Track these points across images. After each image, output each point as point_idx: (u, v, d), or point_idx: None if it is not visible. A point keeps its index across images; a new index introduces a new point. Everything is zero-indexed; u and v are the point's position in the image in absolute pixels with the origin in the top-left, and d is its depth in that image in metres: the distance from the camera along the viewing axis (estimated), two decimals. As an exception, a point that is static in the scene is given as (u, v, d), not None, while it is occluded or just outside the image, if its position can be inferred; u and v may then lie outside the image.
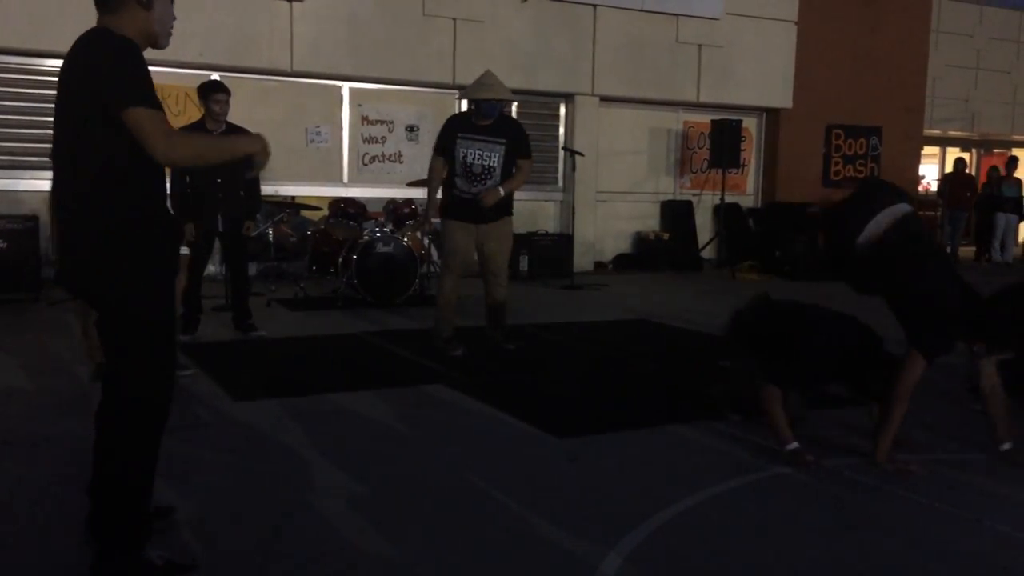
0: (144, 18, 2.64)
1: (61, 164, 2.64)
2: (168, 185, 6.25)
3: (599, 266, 12.04)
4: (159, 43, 2.73)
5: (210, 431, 4.26)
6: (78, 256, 2.61)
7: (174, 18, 2.76)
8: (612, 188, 12.36)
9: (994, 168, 15.04)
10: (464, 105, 7.25)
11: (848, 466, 3.89)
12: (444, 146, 6.06)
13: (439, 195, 6.25)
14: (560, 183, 12.05)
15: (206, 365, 5.55)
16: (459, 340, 6.21)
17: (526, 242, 10.94)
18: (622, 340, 6.94)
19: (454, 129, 6.03)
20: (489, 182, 5.97)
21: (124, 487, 2.63)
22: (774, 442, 3.97)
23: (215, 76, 9.21)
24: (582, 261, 11.39)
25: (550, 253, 10.97)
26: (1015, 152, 17.10)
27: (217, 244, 6.60)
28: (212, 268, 7.79)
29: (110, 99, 2.46)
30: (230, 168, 6.33)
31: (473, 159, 5.95)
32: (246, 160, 2.76)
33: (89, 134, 2.52)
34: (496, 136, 5.97)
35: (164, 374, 2.70)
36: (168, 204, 6.15)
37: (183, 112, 9.39)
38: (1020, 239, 15.05)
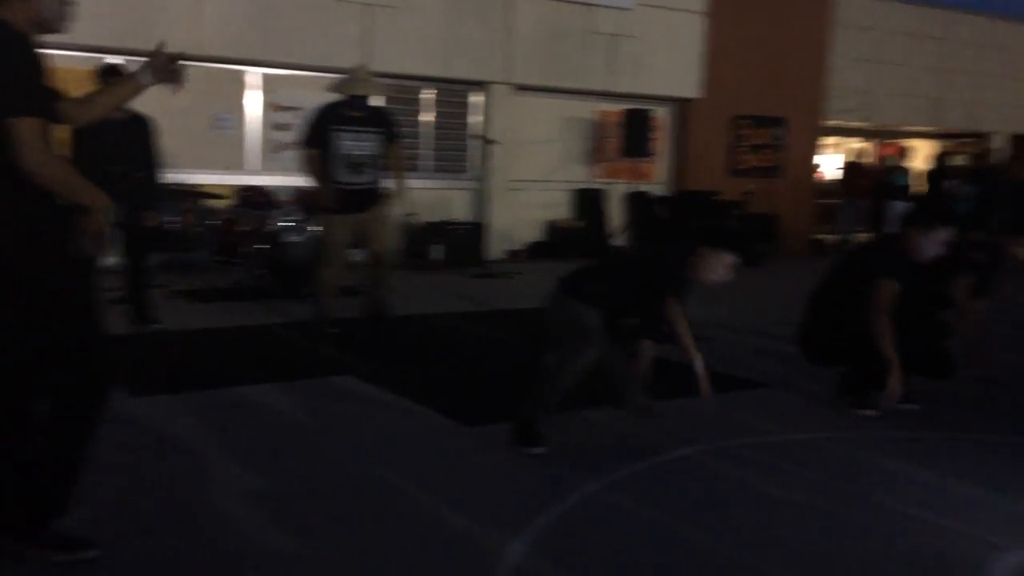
0: (27, 6, 2.51)
1: None
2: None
3: (513, 254, 12.08)
4: (54, 28, 2.61)
5: (105, 429, 4.11)
6: None
7: (66, 2, 2.62)
8: (525, 176, 12.40)
9: (889, 158, 15.71)
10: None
11: (745, 446, 4.00)
12: (319, 138, 6.10)
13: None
14: (473, 171, 12.03)
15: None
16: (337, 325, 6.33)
17: (439, 230, 10.89)
18: (535, 328, 6.97)
19: (329, 121, 6.09)
20: (369, 172, 6.18)
21: (61, 464, 2.67)
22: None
23: (114, 59, 8.88)
24: (496, 249, 11.41)
25: (463, 241, 10.95)
26: (911, 142, 17.89)
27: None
28: (111, 259, 7.50)
29: (1, 102, 2.38)
30: (132, 156, 6.12)
31: (353, 150, 6.10)
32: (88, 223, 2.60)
33: None
34: (372, 126, 6.17)
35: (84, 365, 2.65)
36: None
37: (79, 96, 9.03)
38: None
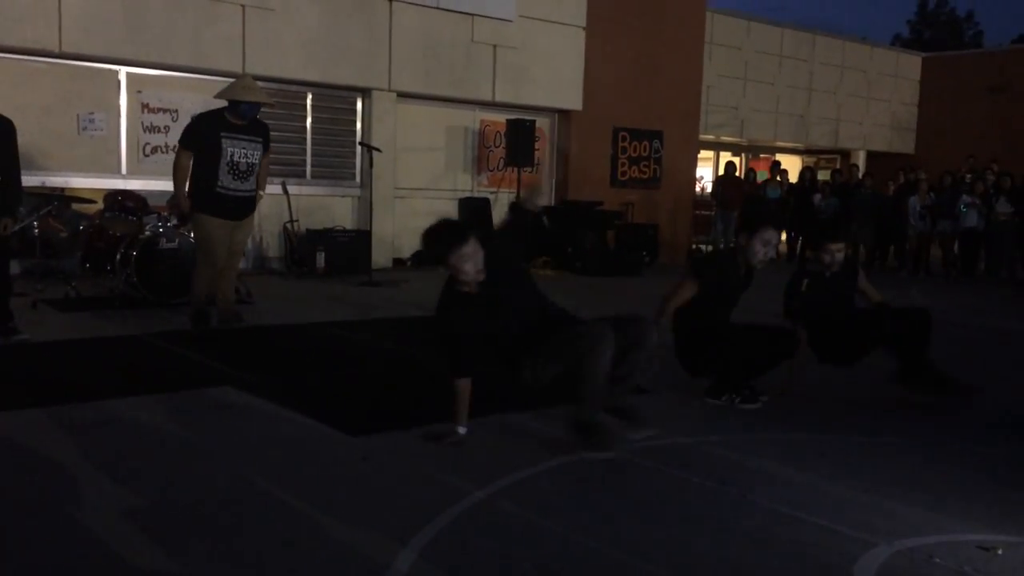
0: None
1: None
2: None
3: (398, 263, 12.00)
4: None
5: (-39, 447, 3.85)
6: None
7: None
8: (410, 184, 12.35)
9: (751, 171, 16.59)
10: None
11: (631, 451, 4.10)
12: (200, 144, 6.23)
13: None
14: (357, 179, 11.89)
15: (-42, 374, 5.01)
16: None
17: (323, 238, 10.72)
18: (419, 336, 6.95)
19: (215, 128, 6.26)
20: (251, 179, 6.46)
21: None
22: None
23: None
24: (381, 258, 11.31)
25: (348, 250, 10.80)
26: (777, 157, 18.79)
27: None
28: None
29: None
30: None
31: (239, 157, 6.32)
32: None
33: None
34: (254, 135, 6.45)
35: None
36: None
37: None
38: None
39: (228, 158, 6.26)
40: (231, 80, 10.58)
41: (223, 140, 6.23)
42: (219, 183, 6.26)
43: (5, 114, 5.97)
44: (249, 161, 6.37)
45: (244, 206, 6.46)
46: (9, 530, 2.98)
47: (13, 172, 5.95)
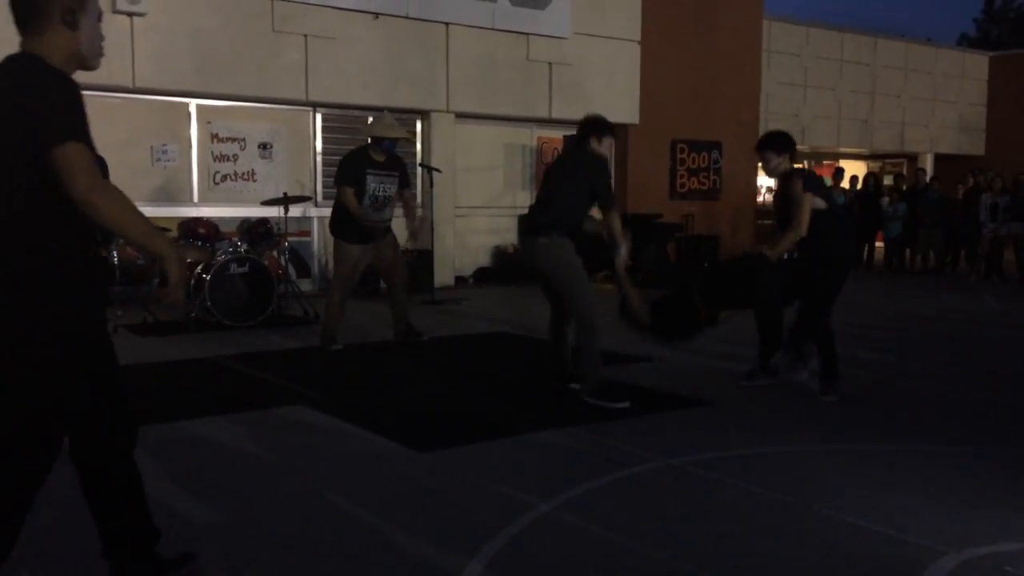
0: (70, 39, 2.45)
1: None
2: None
3: (460, 280, 12.15)
4: (89, 64, 2.54)
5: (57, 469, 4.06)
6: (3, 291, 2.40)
7: (103, 37, 2.57)
8: (470, 203, 12.52)
9: (820, 178, 16.20)
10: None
11: (692, 463, 4.11)
12: (354, 178, 6.74)
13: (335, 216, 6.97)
14: (418, 199, 12.09)
15: None
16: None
17: (385, 259, 10.91)
18: (483, 353, 7.05)
19: (362, 165, 6.80)
20: (387, 210, 6.95)
21: (123, 502, 2.68)
22: None
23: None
24: (443, 276, 11.47)
25: (410, 269, 10.93)
26: (841, 163, 18.47)
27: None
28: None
29: (41, 132, 2.29)
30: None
31: (380, 192, 6.83)
32: (161, 275, 2.63)
33: (15, 166, 2.35)
34: (392, 170, 6.91)
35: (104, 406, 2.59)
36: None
37: None
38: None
39: (371, 193, 6.77)
40: (295, 108, 10.90)
41: (368, 176, 6.75)
42: (367, 217, 6.76)
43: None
44: (387, 194, 6.88)
45: (379, 234, 6.93)
46: (93, 547, 3.14)
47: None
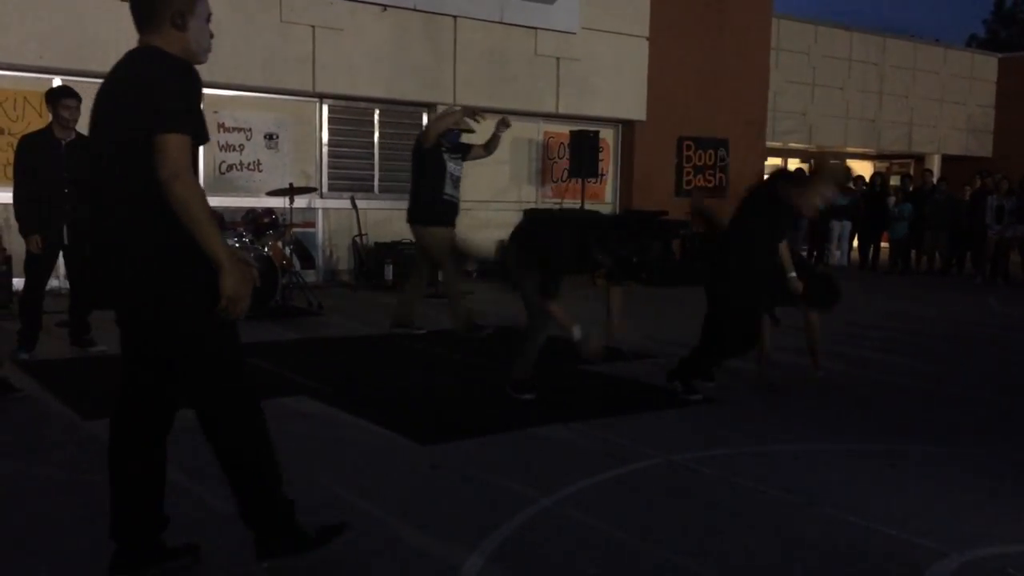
0: (180, 38, 2.66)
1: (101, 184, 2.63)
2: (13, 194, 5.92)
3: (464, 274, 12.14)
4: (198, 60, 2.72)
5: (63, 451, 4.08)
6: (124, 278, 2.63)
7: (211, 35, 2.76)
8: (476, 197, 12.48)
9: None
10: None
11: (693, 460, 4.12)
12: (437, 160, 7.27)
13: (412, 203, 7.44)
14: (424, 192, 12.08)
15: (48, 383, 5.29)
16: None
17: (391, 251, 10.93)
18: (487, 347, 7.05)
19: (441, 147, 7.35)
20: (459, 190, 7.56)
21: (254, 483, 2.81)
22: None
23: (57, 80, 8.78)
24: (447, 269, 11.45)
25: (415, 261, 10.95)
26: (848, 163, 18.41)
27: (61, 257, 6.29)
28: (55, 282, 7.39)
29: (155, 119, 2.46)
30: (74, 178, 6.05)
31: (456, 171, 7.46)
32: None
33: (137, 155, 2.48)
34: (458, 153, 7.55)
35: (234, 382, 2.80)
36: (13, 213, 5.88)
37: (21, 118, 8.88)
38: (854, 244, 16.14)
39: (450, 172, 7.35)
40: (302, 99, 10.90)
41: (446, 159, 7.33)
42: (446, 193, 7.30)
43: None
44: (460, 175, 7.53)
45: (455, 213, 7.47)
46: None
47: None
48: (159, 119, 2.47)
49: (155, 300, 2.61)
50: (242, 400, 2.80)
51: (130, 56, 2.67)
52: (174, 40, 2.65)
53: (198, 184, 2.57)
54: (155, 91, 2.50)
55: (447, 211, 7.40)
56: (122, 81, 2.61)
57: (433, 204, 7.29)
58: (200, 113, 2.62)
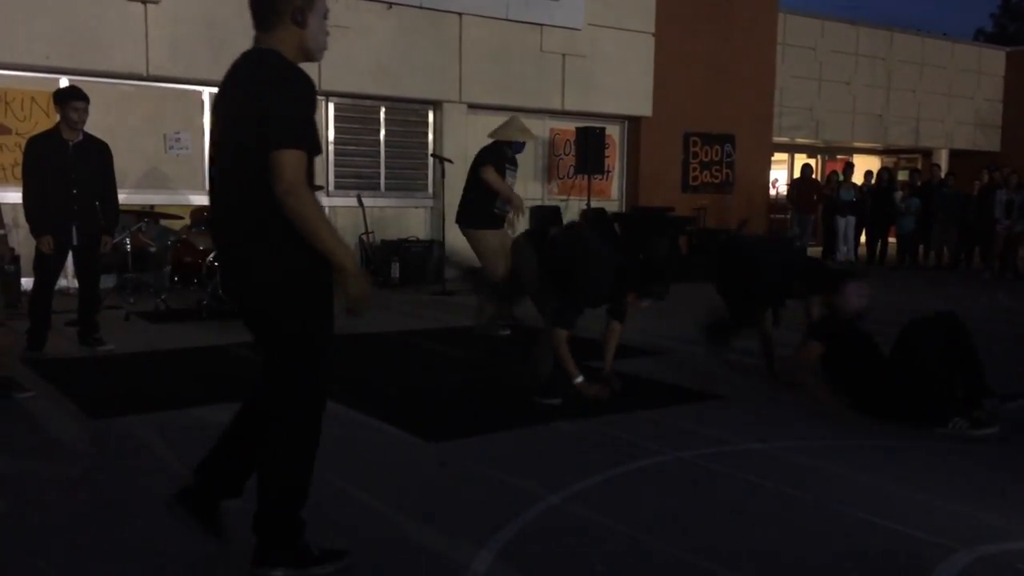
0: (299, 35, 2.66)
1: (223, 185, 2.66)
2: (23, 195, 5.93)
3: (471, 272, 12.13)
4: (314, 58, 2.73)
5: (72, 450, 4.09)
6: (246, 276, 2.69)
7: (327, 33, 2.75)
8: (481, 194, 12.48)
9: (833, 173, 16.07)
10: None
11: (702, 456, 4.11)
12: (497, 168, 7.28)
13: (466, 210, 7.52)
14: (430, 190, 12.09)
15: (56, 382, 5.31)
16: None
17: (397, 248, 10.94)
18: (494, 344, 7.05)
19: (502, 159, 7.39)
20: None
21: (284, 490, 2.77)
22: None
23: (64, 80, 8.80)
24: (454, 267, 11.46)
25: (421, 260, 11.00)
26: (854, 158, 18.36)
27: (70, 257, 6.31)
28: (64, 282, 7.42)
29: (270, 134, 2.47)
30: (87, 179, 6.06)
31: (511, 182, 7.50)
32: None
33: (254, 157, 2.50)
34: (515, 165, 7.58)
35: (317, 387, 2.80)
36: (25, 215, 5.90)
37: (29, 118, 8.91)
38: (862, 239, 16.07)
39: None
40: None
41: (506, 171, 7.37)
42: (496, 205, 7.32)
43: (99, 136, 6.29)
44: (513, 185, 7.56)
45: (504, 217, 7.52)
46: (127, 526, 3.16)
47: (111, 193, 6.27)
48: (274, 134, 2.47)
49: (271, 300, 2.66)
50: (311, 414, 2.79)
51: (246, 58, 2.66)
52: (293, 37, 2.65)
53: (313, 197, 2.59)
54: (271, 103, 2.50)
55: (494, 216, 7.47)
56: (239, 87, 2.61)
57: (483, 208, 7.38)
58: (314, 124, 2.60)
